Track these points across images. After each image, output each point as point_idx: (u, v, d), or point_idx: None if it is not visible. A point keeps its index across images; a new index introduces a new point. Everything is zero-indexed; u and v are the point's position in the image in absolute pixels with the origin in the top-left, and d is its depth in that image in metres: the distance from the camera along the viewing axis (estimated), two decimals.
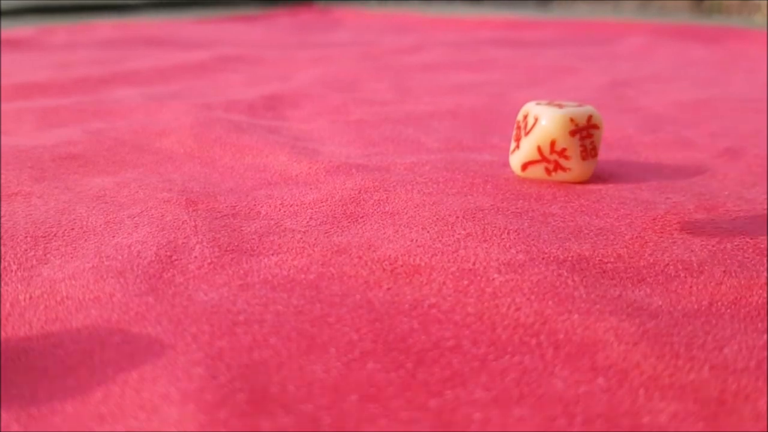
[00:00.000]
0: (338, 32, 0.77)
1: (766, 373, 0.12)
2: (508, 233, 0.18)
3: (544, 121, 0.21)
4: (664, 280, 0.16)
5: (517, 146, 0.22)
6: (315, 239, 0.18)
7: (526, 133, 0.22)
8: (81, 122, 0.31)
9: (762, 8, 1.14)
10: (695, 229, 0.18)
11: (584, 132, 0.22)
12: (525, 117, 0.22)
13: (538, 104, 0.22)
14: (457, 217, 0.19)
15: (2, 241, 0.18)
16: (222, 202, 0.20)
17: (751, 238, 0.18)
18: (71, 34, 0.69)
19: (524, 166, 0.22)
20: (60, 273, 0.16)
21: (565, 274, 0.15)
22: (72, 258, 0.17)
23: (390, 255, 0.16)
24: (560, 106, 0.22)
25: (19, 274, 0.16)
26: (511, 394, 0.12)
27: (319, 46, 0.62)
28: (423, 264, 0.16)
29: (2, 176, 0.23)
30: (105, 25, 0.77)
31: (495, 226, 0.18)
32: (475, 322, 0.14)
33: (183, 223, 0.19)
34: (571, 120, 0.21)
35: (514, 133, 0.23)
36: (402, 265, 0.16)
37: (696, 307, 0.14)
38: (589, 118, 0.22)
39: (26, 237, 0.18)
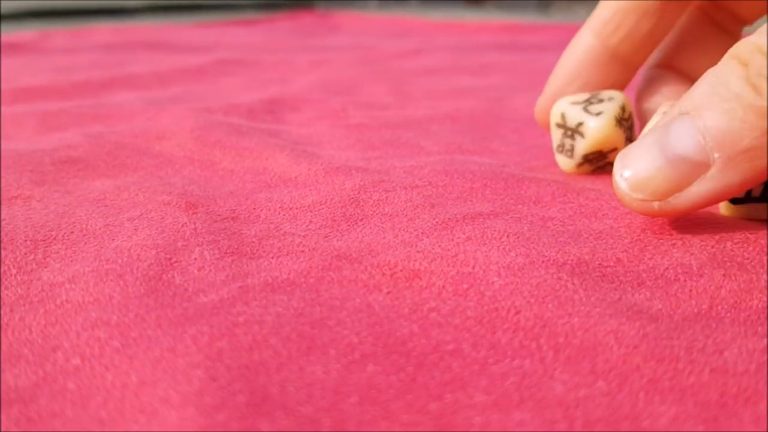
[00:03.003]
0: (338, 36, 0.77)
1: (767, 376, 0.12)
2: (507, 237, 0.18)
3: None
4: (663, 284, 0.16)
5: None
6: (315, 243, 0.18)
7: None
8: (81, 126, 0.31)
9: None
10: (695, 232, 0.18)
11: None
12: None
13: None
14: (457, 221, 0.19)
15: (2, 244, 0.18)
16: (222, 206, 0.20)
17: (751, 241, 0.18)
18: (71, 38, 0.69)
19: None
20: (60, 276, 0.16)
21: (565, 277, 0.15)
22: (72, 261, 0.17)
23: (389, 260, 0.16)
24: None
25: (18, 277, 0.16)
26: (512, 398, 0.12)
27: (318, 50, 0.62)
28: (422, 268, 0.16)
29: (2, 180, 0.23)
30: (105, 29, 0.77)
31: (494, 230, 0.18)
32: (475, 326, 0.14)
33: (183, 225, 0.18)
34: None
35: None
36: (401, 270, 0.16)
37: (696, 310, 0.14)
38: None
39: (26, 240, 0.18)
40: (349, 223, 0.19)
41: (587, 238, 0.18)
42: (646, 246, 0.17)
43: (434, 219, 0.19)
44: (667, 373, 0.12)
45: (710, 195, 0.16)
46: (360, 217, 0.19)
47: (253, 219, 0.19)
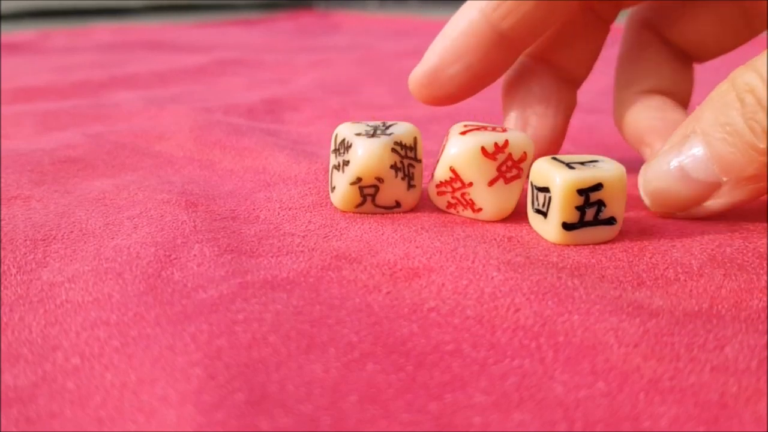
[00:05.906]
0: (337, 36, 0.77)
1: (767, 373, 0.12)
2: (507, 240, 0.18)
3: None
4: (663, 283, 0.16)
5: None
6: (314, 243, 0.17)
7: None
8: (81, 126, 0.31)
9: None
10: (694, 236, 0.18)
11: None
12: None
13: None
14: (456, 223, 0.19)
15: (2, 244, 0.18)
16: (221, 205, 0.20)
17: (751, 242, 0.18)
18: (71, 37, 0.69)
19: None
20: (59, 276, 0.16)
21: (565, 276, 0.15)
22: (71, 261, 0.17)
23: (389, 259, 0.16)
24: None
25: (18, 277, 0.16)
26: (511, 399, 0.12)
27: (318, 50, 0.62)
28: (422, 266, 0.16)
29: (2, 180, 0.23)
30: (104, 29, 0.77)
31: (494, 232, 0.18)
32: (474, 325, 0.14)
33: (182, 223, 0.18)
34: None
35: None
36: (401, 269, 0.16)
37: (697, 308, 0.14)
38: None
39: (26, 240, 0.18)
40: (348, 220, 0.19)
41: None
42: (645, 246, 0.17)
43: (434, 215, 0.19)
44: (668, 372, 0.12)
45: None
46: (359, 213, 0.19)
47: (253, 219, 0.19)
